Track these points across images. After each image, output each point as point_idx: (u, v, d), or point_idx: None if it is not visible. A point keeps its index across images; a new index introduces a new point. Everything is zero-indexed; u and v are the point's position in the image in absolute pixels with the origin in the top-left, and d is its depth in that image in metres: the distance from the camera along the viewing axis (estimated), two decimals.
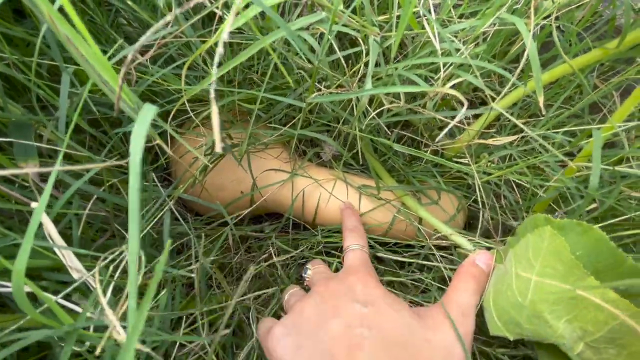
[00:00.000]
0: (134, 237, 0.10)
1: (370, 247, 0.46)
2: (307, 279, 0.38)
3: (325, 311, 0.30)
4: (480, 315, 0.31)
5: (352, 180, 0.45)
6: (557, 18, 0.42)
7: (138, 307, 0.11)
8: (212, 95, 0.12)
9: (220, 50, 0.13)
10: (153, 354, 0.18)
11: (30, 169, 0.13)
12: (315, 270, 0.37)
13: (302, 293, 0.36)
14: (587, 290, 0.22)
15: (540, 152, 0.43)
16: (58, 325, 0.17)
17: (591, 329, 0.23)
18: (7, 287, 0.20)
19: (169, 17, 0.15)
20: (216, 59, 0.13)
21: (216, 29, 0.38)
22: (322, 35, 0.42)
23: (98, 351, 0.15)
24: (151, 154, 0.43)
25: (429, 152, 0.40)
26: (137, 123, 0.11)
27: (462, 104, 0.42)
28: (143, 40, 0.15)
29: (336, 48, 0.35)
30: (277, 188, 0.45)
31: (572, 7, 0.40)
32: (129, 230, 0.11)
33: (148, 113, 0.12)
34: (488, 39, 0.38)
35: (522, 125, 0.28)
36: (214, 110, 0.12)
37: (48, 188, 0.14)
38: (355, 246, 0.37)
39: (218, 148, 0.12)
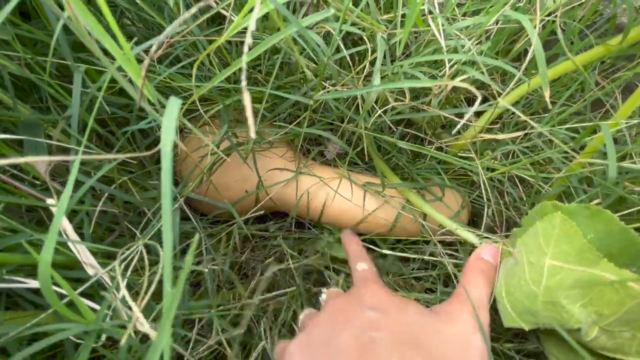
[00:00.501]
0: (168, 212, 0.10)
1: (376, 245, 0.46)
2: (322, 302, 0.38)
3: (336, 323, 0.30)
4: (490, 309, 0.31)
5: (357, 178, 0.45)
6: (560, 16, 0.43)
7: (173, 286, 0.11)
8: (244, 82, 0.13)
9: (249, 40, 0.13)
10: (176, 347, 0.19)
11: (53, 158, 0.13)
12: (329, 292, 0.38)
13: (316, 311, 0.36)
14: (603, 272, 0.23)
15: (542, 149, 0.44)
16: (82, 319, 0.17)
17: (606, 311, 0.24)
18: (24, 282, 0.20)
19: (192, 10, 0.15)
20: (247, 43, 0.13)
21: (221, 29, 0.38)
22: (326, 34, 0.43)
23: (123, 341, 0.15)
24: (158, 153, 0.43)
25: (433, 149, 0.41)
26: (166, 113, 0.11)
27: (465, 103, 0.42)
28: (168, 31, 0.15)
29: (342, 47, 0.35)
30: (282, 187, 0.45)
31: (574, 5, 0.41)
32: (163, 207, 0.11)
33: (175, 104, 0.12)
34: (491, 36, 0.39)
35: (528, 120, 0.28)
36: (246, 98, 0.12)
37: (71, 178, 0.14)
38: (361, 266, 0.38)
39: (252, 133, 0.12)
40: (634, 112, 0.47)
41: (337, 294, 0.37)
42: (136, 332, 0.20)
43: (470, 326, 0.28)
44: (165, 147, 0.11)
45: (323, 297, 0.38)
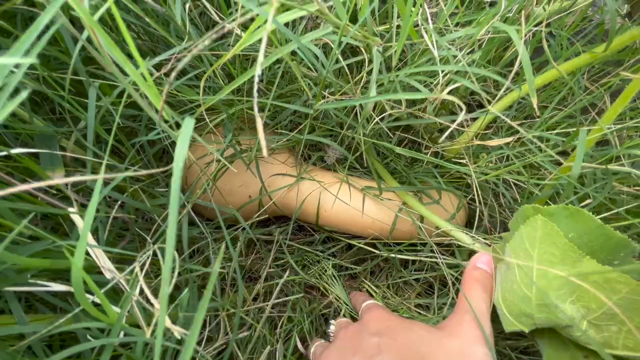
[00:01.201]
0: (173, 223, 0.12)
1: (376, 248, 0.47)
2: (331, 334, 0.40)
3: (347, 351, 0.32)
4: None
5: (356, 182, 0.46)
6: (548, 24, 0.45)
7: (185, 287, 0.12)
8: (256, 88, 0.14)
9: (258, 70, 0.15)
10: (201, 351, 0.20)
11: (82, 178, 0.15)
12: (337, 323, 0.40)
13: (326, 344, 0.38)
14: (586, 269, 0.24)
15: (535, 153, 0.45)
16: (107, 318, 0.18)
17: (593, 306, 0.25)
18: (46, 286, 0.21)
19: (213, 35, 0.17)
20: (256, 74, 0.15)
21: (223, 43, 0.40)
22: (325, 43, 0.44)
23: (148, 335, 0.17)
24: (162, 162, 0.45)
25: (429, 154, 0.42)
26: (180, 134, 0.13)
27: (461, 108, 0.44)
28: (189, 56, 0.17)
29: (340, 58, 0.37)
30: (285, 192, 0.46)
31: (563, 14, 0.42)
32: (169, 219, 0.13)
33: (189, 125, 0.13)
34: (483, 45, 0.40)
35: (517, 127, 0.30)
36: (258, 116, 0.14)
37: (96, 192, 0.15)
38: (366, 303, 0.40)
39: (265, 152, 0.14)
40: (625, 114, 0.49)
41: (345, 323, 0.38)
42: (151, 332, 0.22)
43: (471, 338, 0.30)
44: (178, 162, 0.13)
45: (332, 328, 0.40)
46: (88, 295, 0.20)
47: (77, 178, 0.14)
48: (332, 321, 0.41)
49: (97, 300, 0.25)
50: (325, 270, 0.47)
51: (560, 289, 0.26)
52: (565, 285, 0.26)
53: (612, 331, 0.26)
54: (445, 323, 0.32)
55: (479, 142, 0.36)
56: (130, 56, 0.36)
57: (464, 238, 0.36)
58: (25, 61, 0.10)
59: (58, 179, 0.26)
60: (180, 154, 0.13)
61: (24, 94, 0.11)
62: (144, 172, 0.15)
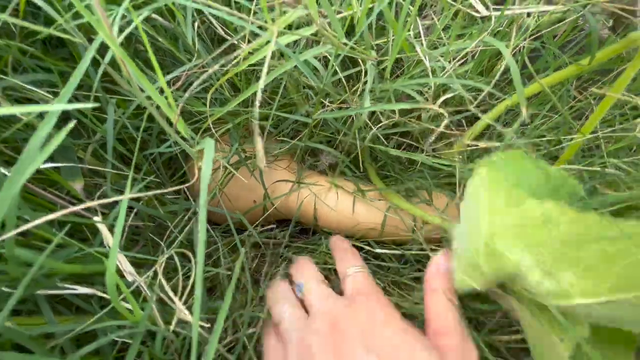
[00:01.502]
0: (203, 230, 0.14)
1: (369, 246, 0.49)
2: (298, 294, 0.34)
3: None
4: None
5: (349, 186, 0.48)
6: (540, 36, 0.47)
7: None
8: (257, 105, 0.16)
9: (265, 73, 0.17)
10: (219, 347, 0.21)
11: (108, 200, 0.17)
12: (311, 289, 0.34)
13: (301, 324, 0.31)
14: (528, 209, 0.22)
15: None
16: (133, 317, 0.21)
17: (543, 250, 0.23)
18: (73, 289, 0.23)
19: (221, 62, 0.19)
20: (257, 99, 0.17)
21: (228, 56, 0.42)
22: (325, 55, 0.46)
23: (172, 329, 0.19)
24: (171, 169, 0.47)
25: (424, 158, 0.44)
26: (205, 155, 0.15)
27: (459, 112, 0.46)
28: (203, 77, 0.19)
29: (338, 69, 0.39)
30: (286, 196, 0.48)
31: (555, 26, 0.44)
32: (200, 229, 0.15)
33: (210, 146, 0.15)
34: (476, 56, 0.42)
35: (503, 131, 0.31)
36: (257, 129, 0.16)
37: (122, 207, 0.17)
38: (353, 268, 0.35)
39: (261, 164, 0.16)
40: (614, 118, 0.51)
41: (323, 297, 0.32)
42: (168, 329, 0.24)
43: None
44: (204, 180, 0.15)
45: (303, 290, 0.34)
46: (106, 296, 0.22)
47: (110, 199, 0.16)
48: (300, 281, 0.34)
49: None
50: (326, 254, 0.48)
51: (509, 237, 0.24)
52: (511, 232, 0.24)
53: (568, 278, 0.23)
54: (440, 343, 0.29)
55: (470, 147, 0.38)
56: (142, 69, 0.38)
57: (437, 220, 0.37)
58: (78, 107, 0.12)
59: (78, 188, 0.28)
60: (205, 176, 0.15)
61: (71, 124, 0.13)
62: (169, 189, 0.18)
